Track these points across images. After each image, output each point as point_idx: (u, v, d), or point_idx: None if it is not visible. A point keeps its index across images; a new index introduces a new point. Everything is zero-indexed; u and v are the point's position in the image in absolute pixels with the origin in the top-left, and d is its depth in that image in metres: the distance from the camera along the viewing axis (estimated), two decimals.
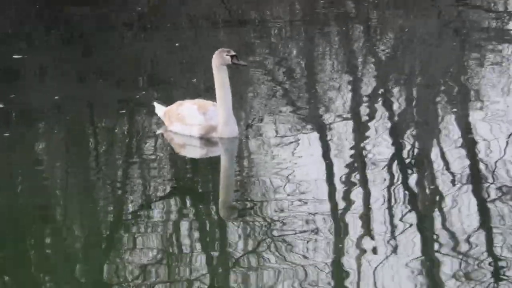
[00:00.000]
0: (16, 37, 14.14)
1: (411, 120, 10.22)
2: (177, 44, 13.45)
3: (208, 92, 10.52)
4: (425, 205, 7.96)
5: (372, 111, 10.43)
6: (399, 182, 8.44)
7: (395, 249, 7.10)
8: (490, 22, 14.90)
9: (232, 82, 9.64)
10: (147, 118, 10.38)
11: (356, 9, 15.95)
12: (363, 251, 7.02)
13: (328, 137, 9.60)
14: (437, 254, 6.96)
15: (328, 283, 6.66)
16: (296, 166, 8.77)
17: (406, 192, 8.15)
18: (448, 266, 6.77)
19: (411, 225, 7.47)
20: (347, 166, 8.77)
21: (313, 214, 7.69)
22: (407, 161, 8.92)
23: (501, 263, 6.81)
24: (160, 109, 9.96)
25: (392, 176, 8.58)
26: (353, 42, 13.87)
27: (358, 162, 8.86)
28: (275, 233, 7.38)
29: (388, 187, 8.25)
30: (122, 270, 6.88)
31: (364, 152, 9.13)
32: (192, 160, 9.44)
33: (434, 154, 9.03)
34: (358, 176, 8.49)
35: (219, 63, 9.36)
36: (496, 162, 8.70)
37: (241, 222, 7.65)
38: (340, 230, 7.46)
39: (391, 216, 7.68)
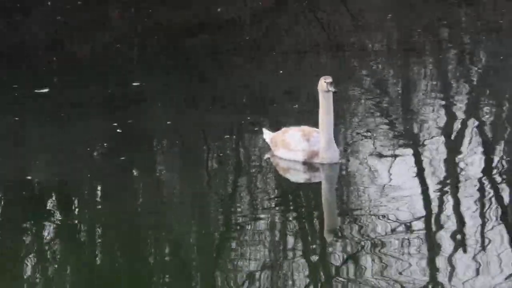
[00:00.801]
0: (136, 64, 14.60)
1: (502, 139, 10.24)
2: (281, 71, 13.60)
3: (309, 117, 10.69)
4: None
5: (463, 131, 10.44)
6: (492, 197, 8.45)
7: (487, 265, 7.11)
8: None
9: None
10: (254, 142, 10.50)
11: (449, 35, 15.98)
12: (457, 271, 7.04)
13: (423, 156, 9.58)
14: None
15: None
16: (395, 187, 8.77)
17: (498, 208, 8.19)
18: None
19: (502, 241, 7.51)
20: (442, 183, 8.82)
21: (411, 233, 7.76)
22: (499, 177, 8.94)
23: None
24: (267, 135, 10.06)
25: (484, 191, 8.61)
26: (447, 67, 13.90)
27: (454, 179, 8.92)
28: (374, 255, 7.39)
29: (481, 202, 8.29)
30: None
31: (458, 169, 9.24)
32: (295, 183, 9.45)
33: None
34: (452, 193, 8.52)
35: (321, 89, 9.46)
36: None
37: (343, 243, 7.68)
38: (436, 248, 7.47)
39: (483, 233, 7.70)
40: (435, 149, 9.77)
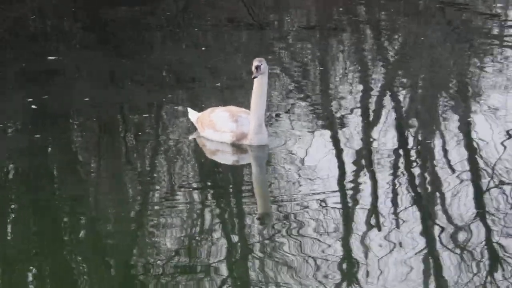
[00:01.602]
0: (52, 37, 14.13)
1: (416, 116, 10.30)
2: (203, 48, 13.38)
3: (231, 96, 10.60)
4: (427, 195, 8.08)
5: (379, 108, 10.53)
6: (405, 173, 8.50)
7: (399, 240, 7.18)
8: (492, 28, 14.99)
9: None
10: (175, 121, 10.15)
11: (368, 15, 16.07)
12: (370, 245, 7.08)
13: (340, 135, 9.54)
14: (439, 247, 7.09)
15: (338, 275, 6.74)
16: (319, 167, 8.67)
17: (411, 184, 8.26)
18: (448, 258, 6.88)
19: (415, 217, 7.55)
20: (357, 160, 8.89)
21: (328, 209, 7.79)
22: (413, 154, 9.04)
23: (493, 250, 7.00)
24: (193, 115, 9.63)
25: (398, 168, 8.66)
26: (365, 45, 13.86)
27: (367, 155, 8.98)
28: (294, 235, 7.28)
29: (393, 177, 8.42)
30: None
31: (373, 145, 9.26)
32: (222, 165, 9.14)
33: (436, 147, 9.17)
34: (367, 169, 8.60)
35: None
36: (495, 158, 8.80)
37: (268, 224, 7.53)
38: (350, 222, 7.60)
39: (396, 207, 7.78)
40: (353, 128, 9.77)
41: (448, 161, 8.75)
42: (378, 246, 7.10)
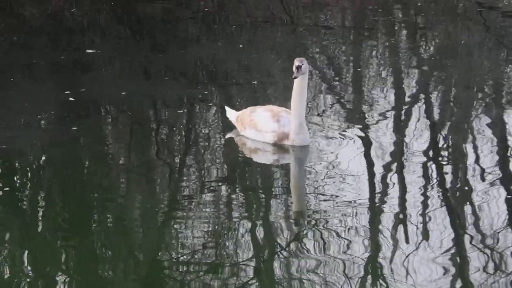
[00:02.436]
0: (90, 31, 14.24)
1: (449, 120, 10.26)
2: (240, 46, 13.36)
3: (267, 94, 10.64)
4: (457, 200, 8.05)
5: (412, 111, 10.47)
6: (436, 177, 8.48)
7: (427, 242, 7.21)
8: None
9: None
10: (213, 118, 10.20)
11: (404, 16, 15.99)
12: (398, 246, 7.11)
13: (371, 135, 9.57)
14: (467, 248, 7.12)
15: (365, 275, 6.77)
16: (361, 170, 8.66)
17: (441, 188, 8.22)
18: (477, 261, 6.89)
19: (443, 221, 7.55)
20: (388, 163, 8.86)
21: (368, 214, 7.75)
22: (444, 159, 9.00)
23: None
24: (231, 114, 9.62)
25: (428, 171, 8.65)
26: (400, 47, 13.77)
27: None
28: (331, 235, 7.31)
29: (423, 181, 8.37)
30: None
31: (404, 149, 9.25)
32: (261, 165, 9.15)
33: (469, 152, 9.13)
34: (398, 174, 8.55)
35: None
36: None
37: (304, 224, 7.56)
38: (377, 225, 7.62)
39: (425, 211, 7.75)
40: (385, 130, 9.74)
41: (480, 167, 8.72)
42: (406, 249, 7.11)
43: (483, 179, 8.41)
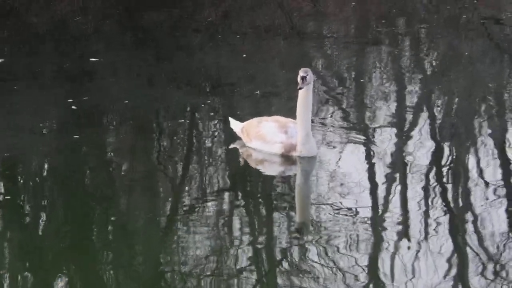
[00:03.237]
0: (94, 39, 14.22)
1: (452, 131, 10.19)
2: (244, 56, 13.36)
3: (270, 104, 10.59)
4: (459, 210, 8.06)
5: (415, 121, 10.45)
6: (438, 188, 8.46)
7: (429, 249, 7.26)
8: None
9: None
10: (216, 129, 10.15)
11: (407, 26, 15.87)
12: (400, 255, 7.12)
13: (374, 145, 9.54)
14: (469, 259, 7.16)
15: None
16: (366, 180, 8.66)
17: (443, 199, 8.22)
18: (479, 275, 6.91)
19: (444, 232, 7.55)
20: (391, 173, 8.84)
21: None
22: (446, 169, 8.96)
23: None
24: (235, 125, 9.55)
25: (429, 181, 8.64)
26: (402, 57, 13.76)
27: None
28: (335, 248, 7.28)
29: (425, 191, 8.37)
30: None
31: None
32: (268, 176, 9.08)
33: (470, 162, 9.11)
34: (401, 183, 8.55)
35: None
36: None
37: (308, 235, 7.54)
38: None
39: (426, 220, 7.76)
40: (387, 140, 9.71)
41: (482, 178, 8.69)
42: (407, 260, 7.09)
43: (484, 189, 8.40)
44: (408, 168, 8.94)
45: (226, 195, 8.36)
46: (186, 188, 8.56)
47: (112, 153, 9.57)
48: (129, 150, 9.67)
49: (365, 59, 13.75)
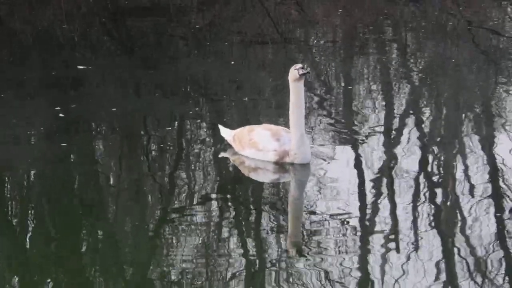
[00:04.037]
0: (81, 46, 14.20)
1: (439, 137, 10.26)
2: (232, 62, 13.41)
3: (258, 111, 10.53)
4: (447, 216, 8.06)
5: (402, 128, 10.47)
6: (426, 195, 8.46)
7: (417, 254, 7.29)
8: None
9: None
10: (204, 136, 10.10)
11: (394, 33, 15.96)
12: (388, 267, 7.11)
13: (361, 152, 9.55)
14: (458, 265, 7.15)
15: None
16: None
17: (432, 205, 8.20)
18: (468, 282, 6.90)
19: (434, 239, 7.54)
20: (378, 180, 8.81)
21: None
22: (435, 176, 8.97)
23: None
24: (226, 133, 9.45)
25: (417, 188, 8.65)
26: (390, 64, 13.82)
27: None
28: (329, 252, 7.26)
29: (413, 198, 8.39)
30: None
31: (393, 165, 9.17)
32: (260, 183, 9.04)
33: (458, 168, 9.15)
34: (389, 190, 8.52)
35: (293, 79, 8.89)
36: None
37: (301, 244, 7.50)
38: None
39: (415, 229, 7.75)
40: (375, 147, 9.73)
41: (470, 184, 8.71)
42: (396, 268, 7.09)
43: (472, 196, 8.41)
44: (394, 173, 8.96)
45: (219, 203, 8.32)
46: (177, 197, 8.53)
47: (100, 161, 9.53)
48: (117, 158, 9.65)
49: (353, 66, 13.78)
